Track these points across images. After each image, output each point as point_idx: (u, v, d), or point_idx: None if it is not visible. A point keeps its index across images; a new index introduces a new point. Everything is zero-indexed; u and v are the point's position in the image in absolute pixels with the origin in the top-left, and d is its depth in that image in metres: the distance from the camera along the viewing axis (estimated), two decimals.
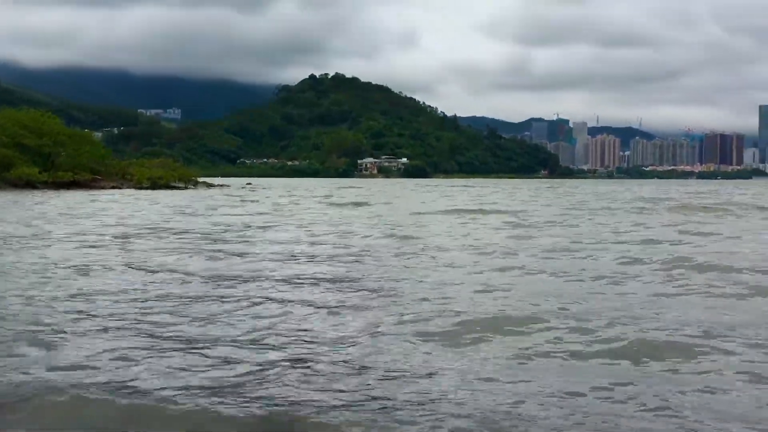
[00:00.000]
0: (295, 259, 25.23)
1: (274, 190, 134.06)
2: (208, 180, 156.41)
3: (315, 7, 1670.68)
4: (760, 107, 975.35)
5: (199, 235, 34.99)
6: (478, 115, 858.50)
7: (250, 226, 40.58)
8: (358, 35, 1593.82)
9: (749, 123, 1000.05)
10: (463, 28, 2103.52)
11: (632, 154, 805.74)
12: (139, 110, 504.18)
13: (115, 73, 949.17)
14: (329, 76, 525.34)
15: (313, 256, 26.24)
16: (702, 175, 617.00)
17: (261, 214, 54.60)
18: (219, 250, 27.70)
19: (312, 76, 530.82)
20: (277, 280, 20.02)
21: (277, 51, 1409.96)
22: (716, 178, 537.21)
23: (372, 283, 19.70)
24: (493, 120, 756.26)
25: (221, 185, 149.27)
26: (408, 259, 25.38)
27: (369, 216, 51.79)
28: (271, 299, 17.14)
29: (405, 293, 17.97)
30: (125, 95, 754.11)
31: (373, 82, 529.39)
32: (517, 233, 36.19)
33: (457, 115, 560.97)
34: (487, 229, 39.80)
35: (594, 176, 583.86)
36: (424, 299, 16.98)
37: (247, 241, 31.85)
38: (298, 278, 20.41)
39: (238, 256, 26.07)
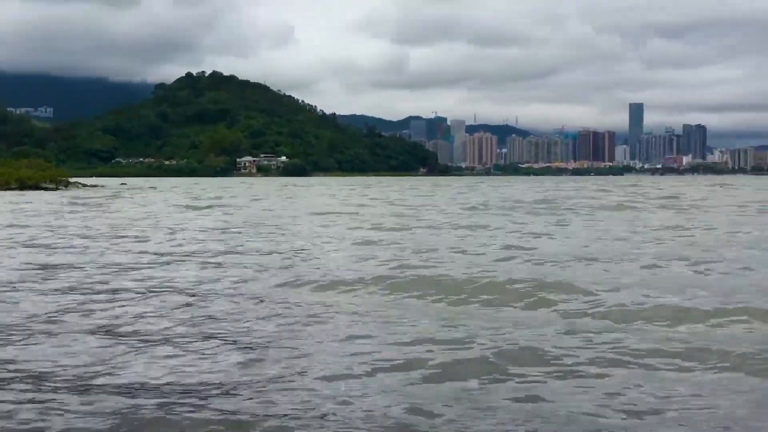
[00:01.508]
0: None
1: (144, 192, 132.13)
2: (82, 180, 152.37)
3: (188, 3, 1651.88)
4: (630, 105, 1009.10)
5: None
6: (357, 113, 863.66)
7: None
8: (234, 32, 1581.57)
9: (620, 120, 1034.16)
10: (340, 26, 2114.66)
11: (509, 152, 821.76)
12: (8, 109, 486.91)
13: None
14: (206, 74, 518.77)
15: None
16: (576, 172, 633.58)
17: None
18: None
19: (188, 74, 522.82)
20: None
21: (152, 48, 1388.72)
22: (589, 175, 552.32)
23: None
24: (372, 118, 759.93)
25: (95, 185, 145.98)
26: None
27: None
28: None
29: None
30: None
31: (251, 80, 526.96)
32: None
33: (336, 113, 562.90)
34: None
35: (472, 173, 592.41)
36: None
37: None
38: None
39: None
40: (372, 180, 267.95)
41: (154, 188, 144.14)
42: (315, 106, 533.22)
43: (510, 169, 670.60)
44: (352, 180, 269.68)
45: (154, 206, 71.57)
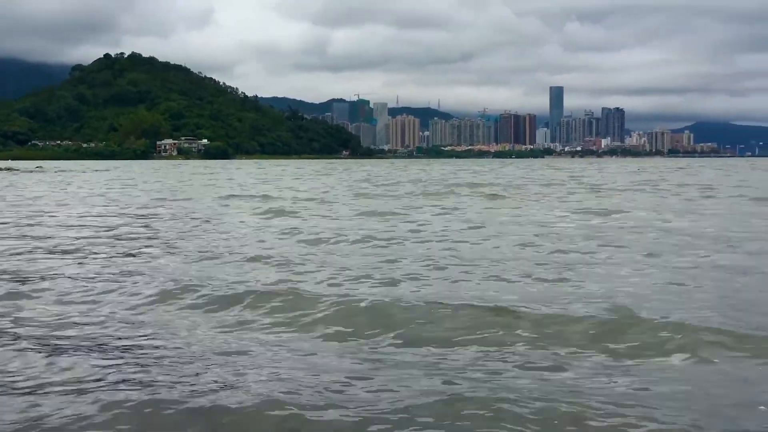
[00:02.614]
0: None
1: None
2: None
3: None
4: (551, 88, 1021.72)
5: None
6: (280, 95, 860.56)
7: None
8: (153, 13, 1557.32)
9: (541, 103, 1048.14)
10: (260, 7, 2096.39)
11: (431, 134, 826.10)
12: None
13: None
14: (125, 56, 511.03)
15: None
16: (498, 155, 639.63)
17: None
18: None
19: (107, 56, 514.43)
20: None
21: (69, 29, 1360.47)
22: (511, 157, 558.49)
23: None
24: (294, 101, 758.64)
25: (9, 168, 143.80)
26: None
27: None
28: None
29: None
30: None
31: (171, 62, 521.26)
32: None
33: (258, 95, 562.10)
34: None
35: (395, 156, 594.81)
36: None
37: None
38: None
39: None
40: (287, 162, 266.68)
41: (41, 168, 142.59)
42: (236, 89, 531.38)
43: (432, 151, 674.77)
44: (267, 162, 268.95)
45: None
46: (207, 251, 23.60)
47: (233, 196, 56.68)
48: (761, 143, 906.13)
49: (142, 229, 31.39)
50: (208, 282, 17.51)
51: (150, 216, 38.28)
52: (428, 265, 20.06)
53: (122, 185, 79.87)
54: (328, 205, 45.84)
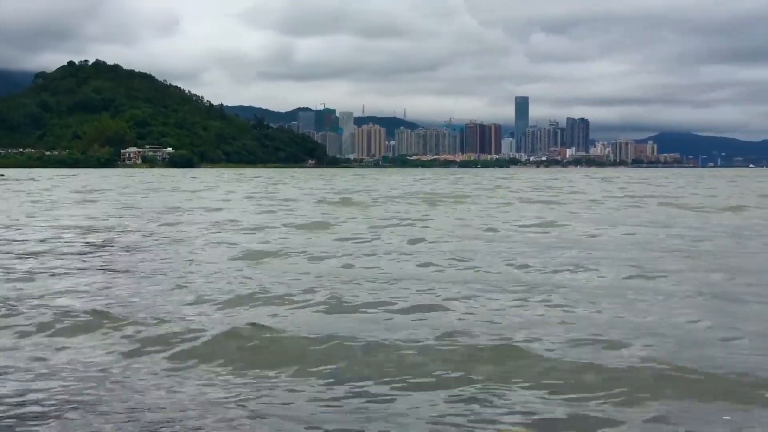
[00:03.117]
0: None
1: None
2: None
3: None
4: (516, 98, 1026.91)
5: None
6: (245, 104, 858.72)
7: None
8: (117, 20, 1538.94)
9: (506, 113, 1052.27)
10: (226, 15, 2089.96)
11: (397, 144, 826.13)
12: None
13: None
14: (89, 63, 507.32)
15: None
16: (464, 164, 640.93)
17: None
18: None
19: (71, 63, 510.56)
20: None
21: (31, 35, 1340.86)
22: (476, 167, 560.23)
23: None
24: (260, 109, 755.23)
25: None
26: None
27: None
28: None
29: None
30: None
31: (136, 70, 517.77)
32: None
33: (224, 104, 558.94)
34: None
35: (360, 165, 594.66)
36: None
37: None
38: None
39: None
40: (251, 172, 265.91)
41: None
42: (202, 97, 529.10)
43: (399, 161, 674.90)
44: (231, 172, 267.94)
45: None
46: None
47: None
48: (723, 154, 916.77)
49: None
50: None
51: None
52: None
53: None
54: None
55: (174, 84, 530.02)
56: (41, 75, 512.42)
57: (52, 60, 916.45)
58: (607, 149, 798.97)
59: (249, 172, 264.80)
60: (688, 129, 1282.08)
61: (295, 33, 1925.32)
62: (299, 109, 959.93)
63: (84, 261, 24.27)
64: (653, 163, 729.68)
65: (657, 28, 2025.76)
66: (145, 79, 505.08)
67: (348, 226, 36.94)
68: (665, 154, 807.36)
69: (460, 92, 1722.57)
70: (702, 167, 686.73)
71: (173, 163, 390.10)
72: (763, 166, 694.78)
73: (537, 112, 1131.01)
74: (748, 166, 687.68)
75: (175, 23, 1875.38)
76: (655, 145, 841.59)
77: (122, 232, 34.65)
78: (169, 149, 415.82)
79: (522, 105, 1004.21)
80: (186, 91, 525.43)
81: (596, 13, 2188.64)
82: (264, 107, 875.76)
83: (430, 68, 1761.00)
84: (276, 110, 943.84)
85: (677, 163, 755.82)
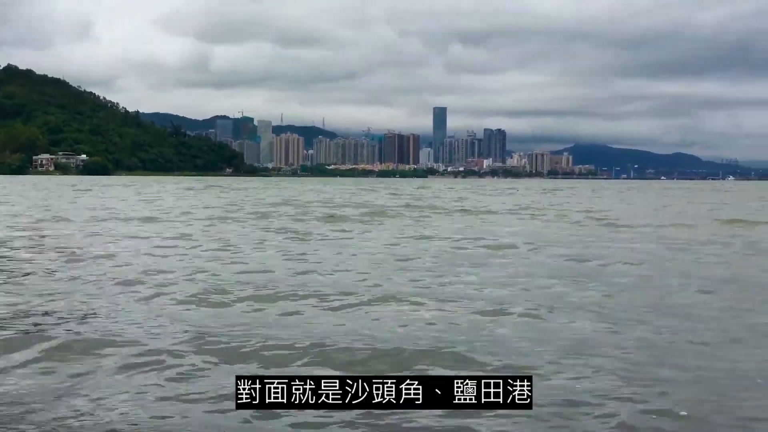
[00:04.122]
0: None
1: None
2: None
3: None
4: (434, 109, 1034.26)
5: None
6: (162, 111, 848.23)
7: None
8: (29, 25, 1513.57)
9: (424, 123, 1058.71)
10: (141, 21, 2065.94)
11: (316, 153, 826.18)
12: None
13: None
14: (0, 68, 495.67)
15: None
16: (382, 174, 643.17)
17: None
18: None
19: None
20: None
21: None
22: (394, 177, 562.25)
23: None
24: (177, 117, 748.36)
25: None
26: None
27: None
28: None
29: None
30: None
31: (49, 75, 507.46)
32: None
33: (140, 111, 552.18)
34: None
35: (278, 174, 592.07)
36: None
37: None
38: None
39: None
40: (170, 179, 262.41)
41: None
42: (117, 104, 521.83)
43: (317, 170, 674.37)
44: (147, 179, 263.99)
45: None
46: None
47: None
48: (636, 166, 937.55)
49: None
50: None
51: None
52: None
53: None
54: None
55: (89, 90, 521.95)
56: None
57: None
58: (524, 160, 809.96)
59: (167, 179, 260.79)
60: (602, 141, 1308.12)
61: (213, 40, 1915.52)
62: (217, 117, 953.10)
63: None
64: (568, 174, 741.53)
65: (572, 40, 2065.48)
66: (59, 84, 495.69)
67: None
68: (580, 166, 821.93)
69: (378, 102, 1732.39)
70: (615, 179, 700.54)
71: (88, 170, 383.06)
72: (673, 178, 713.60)
73: (455, 123, 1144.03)
74: (659, 179, 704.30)
75: (89, 28, 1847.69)
76: (571, 157, 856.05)
77: None
78: (84, 156, 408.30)
79: (440, 115, 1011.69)
80: (101, 98, 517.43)
81: (513, 25, 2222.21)
82: (181, 114, 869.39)
83: (349, 78, 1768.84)
84: (193, 118, 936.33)
85: (592, 174, 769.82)
